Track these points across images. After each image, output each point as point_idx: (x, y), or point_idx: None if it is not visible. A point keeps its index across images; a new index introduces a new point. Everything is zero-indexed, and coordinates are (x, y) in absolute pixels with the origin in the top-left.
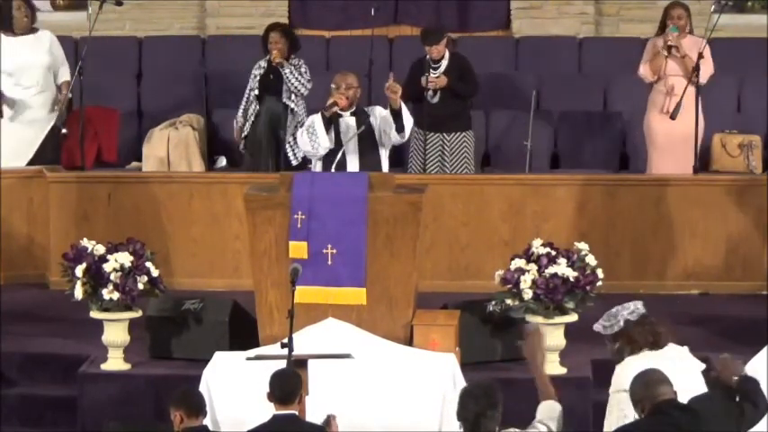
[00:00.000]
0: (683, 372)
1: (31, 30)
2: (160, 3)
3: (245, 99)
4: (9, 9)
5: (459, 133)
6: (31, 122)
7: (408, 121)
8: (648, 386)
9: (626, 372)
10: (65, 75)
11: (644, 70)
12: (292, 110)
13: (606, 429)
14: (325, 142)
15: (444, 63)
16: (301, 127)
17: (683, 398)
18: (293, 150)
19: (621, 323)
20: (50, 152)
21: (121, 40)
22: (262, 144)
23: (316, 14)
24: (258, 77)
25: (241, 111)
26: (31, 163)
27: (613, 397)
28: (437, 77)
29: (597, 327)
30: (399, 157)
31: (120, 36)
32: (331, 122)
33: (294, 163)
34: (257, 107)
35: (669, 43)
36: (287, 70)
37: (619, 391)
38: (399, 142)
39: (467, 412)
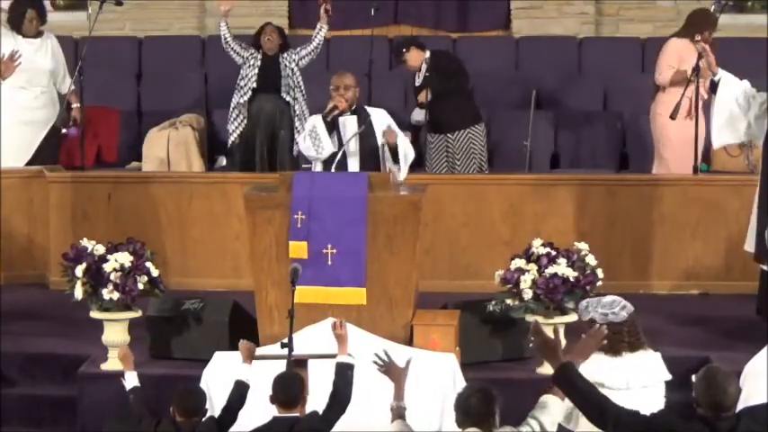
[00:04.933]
0: (642, 379)
1: (38, 33)
2: (160, 3)
3: (242, 92)
4: (22, 14)
5: (463, 130)
6: (31, 123)
7: (406, 158)
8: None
9: (589, 370)
10: (68, 84)
11: (667, 76)
12: (289, 104)
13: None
14: (329, 146)
15: (423, 69)
16: (302, 129)
17: (635, 404)
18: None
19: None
20: (50, 153)
21: (121, 40)
22: (255, 144)
23: (316, 14)
24: (257, 69)
25: (240, 102)
26: (30, 163)
27: None
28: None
29: (596, 313)
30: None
31: (120, 36)
32: (333, 125)
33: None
34: (245, 101)
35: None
36: (285, 55)
37: None
38: None
39: (460, 396)
